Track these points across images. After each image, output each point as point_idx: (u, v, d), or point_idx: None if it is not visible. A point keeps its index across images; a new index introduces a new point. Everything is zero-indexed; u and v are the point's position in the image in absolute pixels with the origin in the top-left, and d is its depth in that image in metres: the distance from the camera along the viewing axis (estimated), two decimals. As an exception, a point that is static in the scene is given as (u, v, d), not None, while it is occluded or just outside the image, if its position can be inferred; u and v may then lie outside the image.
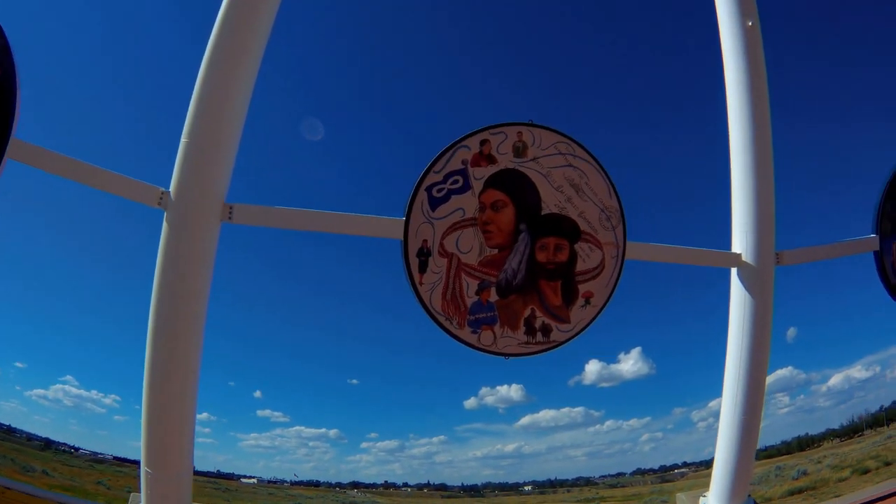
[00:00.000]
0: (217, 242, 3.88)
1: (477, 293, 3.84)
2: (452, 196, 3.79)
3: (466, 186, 3.81)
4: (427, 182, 3.76)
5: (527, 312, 3.93)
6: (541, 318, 3.95)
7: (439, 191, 3.77)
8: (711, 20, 4.68)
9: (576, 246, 3.99)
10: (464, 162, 3.80)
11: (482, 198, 3.84)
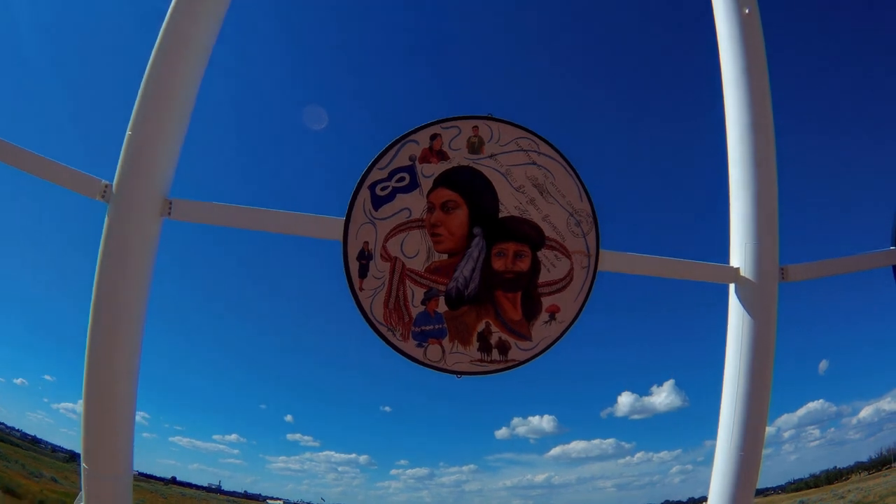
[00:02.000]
0: (158, 238, 3.71)
1: (423, 302, 3.46)
2: (398, 195, 3.46)
3: (414, 185, 3.47)
4: (370, 179, 3.45)
5: (481, 326, 3.51)
6: (497, 334, 3.52)
7: (383, 189, 3.45)
8: (708, 9, 4.21)
9: (539, 253, 3.56)
10: (412, 158, 3.47)
11: (431, 197, 3.48)
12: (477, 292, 3.49)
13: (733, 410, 4.00)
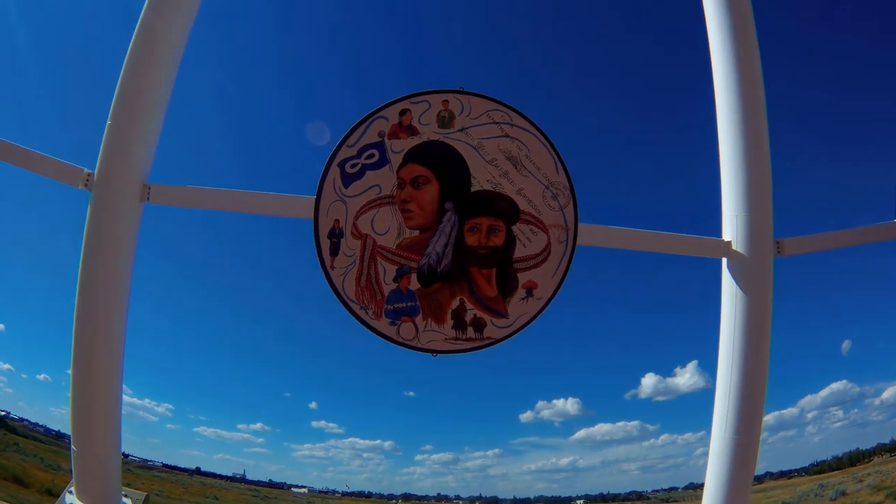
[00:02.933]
0: (139, 223, 3.77)
1: (395, 280, 3.40)
2: (367, 172, 3.42)
3: (383, 161, 3.43)
4: (340, 157, 3.42)
5: (455, 304, 3.42)
6: (472, 311, 3.43)
7: (353, 166, 3.42)
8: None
9: (514, 228, 3.45)
10: (381, 134, 3.43)
11: (401, 173, 3.43)
12: (450, 269, 3.41)
13: (728, 392, 3.80)
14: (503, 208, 3.44)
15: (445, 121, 3.47)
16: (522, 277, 3.45)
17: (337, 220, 3.40)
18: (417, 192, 3.42)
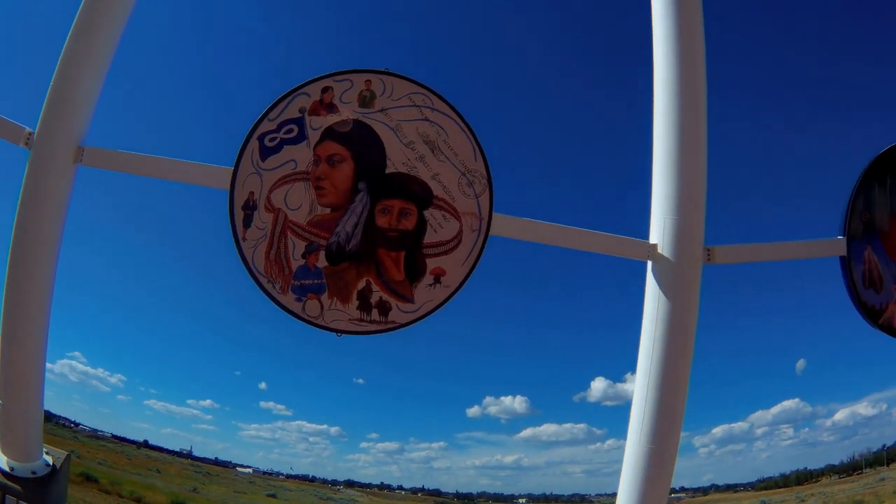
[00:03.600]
0: (72, 184, 3.87)
1: (304, 256, 3.40)
2: (285, 146, 3.43)
3: (302, 137, 3.43)
4: (260, 130, 3.44)
5: (361, 284, 3.41)
6: (378, 293, 3.41)
7: (272, 140, 3.43)
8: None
9: (426, 213, 3.42)
10: (301, 110, 3.44)
11: (318, 150, 3.43)
12: (358, 249, 3.39)
13: (644, 399, 3.69)
14: (416, 192, 3.41)
15: (366, 100, 3.45)
16: (431, 263, 3.41)
17: (252, 193, 3.43)
18: (332, 170, 3.42)
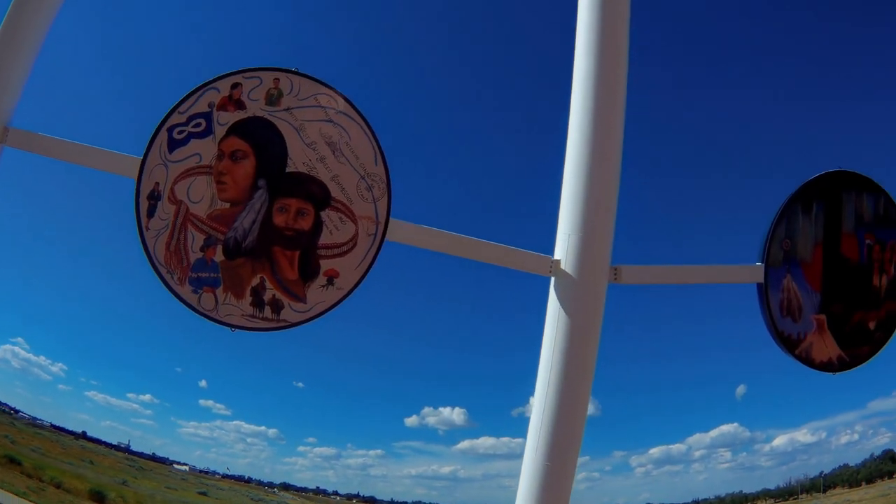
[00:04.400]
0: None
1: (202, 249, 3.44)
2: (192, 139, 3.47)
3: (209, 131, 3.47)
4: (170, 122, 3.49)
5: (255, 281, 3.44)
6: (271, 291, 3.43)
7: (180, 132, 3.48)
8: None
9: (323, 214, 3.42)
10: (210, 105, 3.47)
11: (222, 145, 3.46)
12: (254, 245, 3.42)
13: (542, 415, 3.63)
14: (314, 193, 3.42)
15: (273, 98, 3.47)
16: (325, 265, 3.42)
17: (157, 183, 3.48)
18: (234, 166, 3.45)
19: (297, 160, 3.43)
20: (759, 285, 3.62)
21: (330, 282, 3.41)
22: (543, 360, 3.60)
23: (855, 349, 3.75)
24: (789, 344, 3.66)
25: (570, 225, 3.54)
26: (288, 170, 3.43)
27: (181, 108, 3.50)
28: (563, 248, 3.54)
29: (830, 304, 3.70)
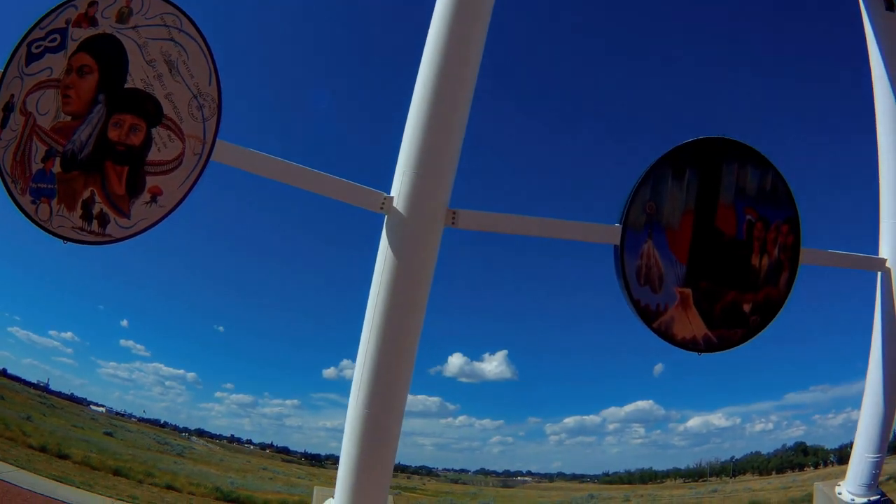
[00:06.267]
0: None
1: (43, 160, 3.48)
2: (47, 54, 3.54)
3: (62, 46, 3.53)
4: (30, 37, 3.58)
5: (86, 194, 3.43)
6: (100, 205, 3.42)
7: (38, 47, 3.55)
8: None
9: (154, 131, 3.39)
10: (67, 21, 3.54)
11: (72, 60, 3.51)
12: (88, 159, 3.43)
13: (365, 357, 3.38)
14: (148, 109, 3.40)
15: (124, 16, 3.50)
16: (150, 181, 3.37)
17: (12, 96, 3.56)
18: (80, 80, 3.48)
19: (136, 77, 3.43)
20: (615, 247, 3.24)
21: (154, 199, 3.36)
22: (371, 298, 3.38)
23: (725, 330, 3.27)
24: (647, 315, 3.24)
25: (407, 162, 3.33)
26: (126, 86, 3.43)
27: (42, 24, 3.58)
28: (398, 186, 3.32)
29: (698, 279, 3.25)
